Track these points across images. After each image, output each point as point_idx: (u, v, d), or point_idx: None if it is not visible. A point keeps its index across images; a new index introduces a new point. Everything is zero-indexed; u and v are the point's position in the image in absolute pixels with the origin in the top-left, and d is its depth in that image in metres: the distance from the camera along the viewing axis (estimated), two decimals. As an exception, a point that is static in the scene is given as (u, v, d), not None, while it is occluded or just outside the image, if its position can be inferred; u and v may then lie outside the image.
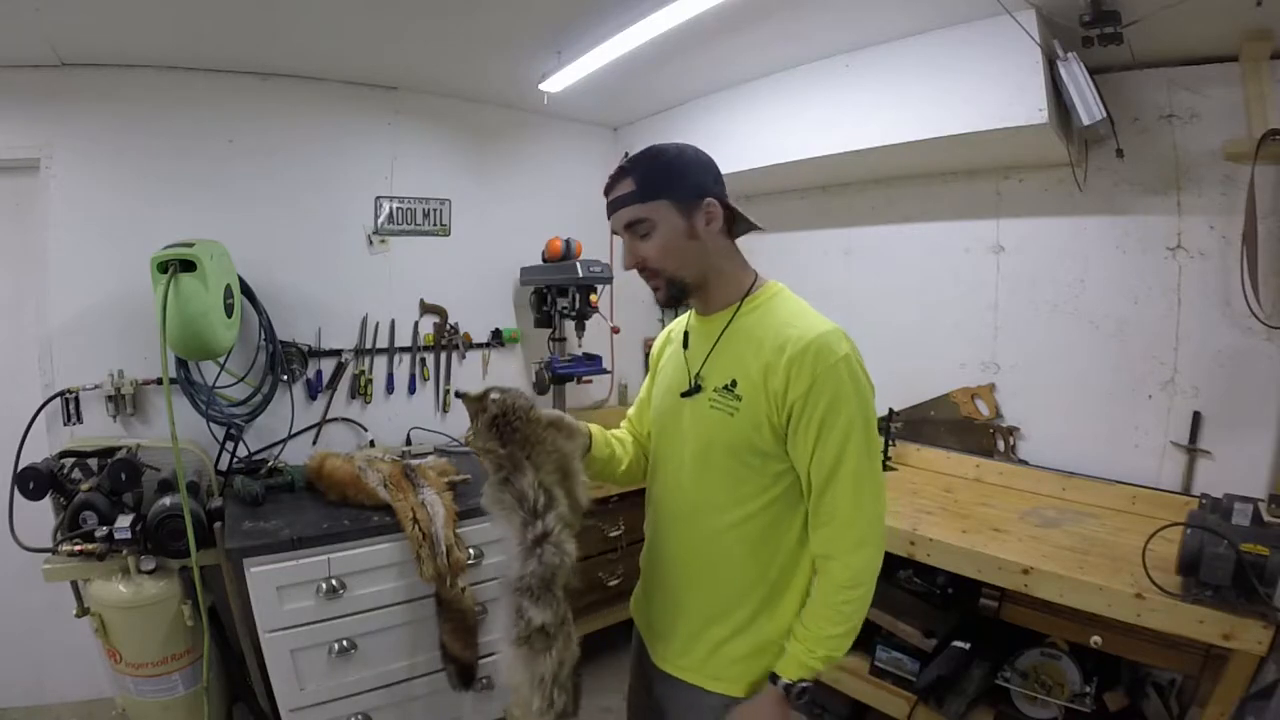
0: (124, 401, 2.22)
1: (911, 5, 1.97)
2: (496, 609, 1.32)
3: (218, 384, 2.34)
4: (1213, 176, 1.93)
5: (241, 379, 2.41)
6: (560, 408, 2.86)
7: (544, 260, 2.88)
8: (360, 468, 2.07)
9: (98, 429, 2.21)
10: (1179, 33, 1.81)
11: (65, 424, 2.18)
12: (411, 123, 2.75)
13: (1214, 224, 1.94)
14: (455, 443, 2.80)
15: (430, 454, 2.66)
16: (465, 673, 1.96)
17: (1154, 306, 2.06)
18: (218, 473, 2.28)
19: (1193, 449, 1.98)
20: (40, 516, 1.97)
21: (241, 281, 2.26)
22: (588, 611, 2.55)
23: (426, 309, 2.84)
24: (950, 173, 2.47)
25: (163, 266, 1.85)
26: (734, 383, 1.10)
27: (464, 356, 2.94)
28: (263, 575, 1.77)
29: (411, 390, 2.83)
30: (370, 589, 1.89)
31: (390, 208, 2.73)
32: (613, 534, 2.61)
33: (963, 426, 2.48)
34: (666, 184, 1.10)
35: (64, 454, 1.98)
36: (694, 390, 1.16)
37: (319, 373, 2.62)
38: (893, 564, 2.13)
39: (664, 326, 1.38)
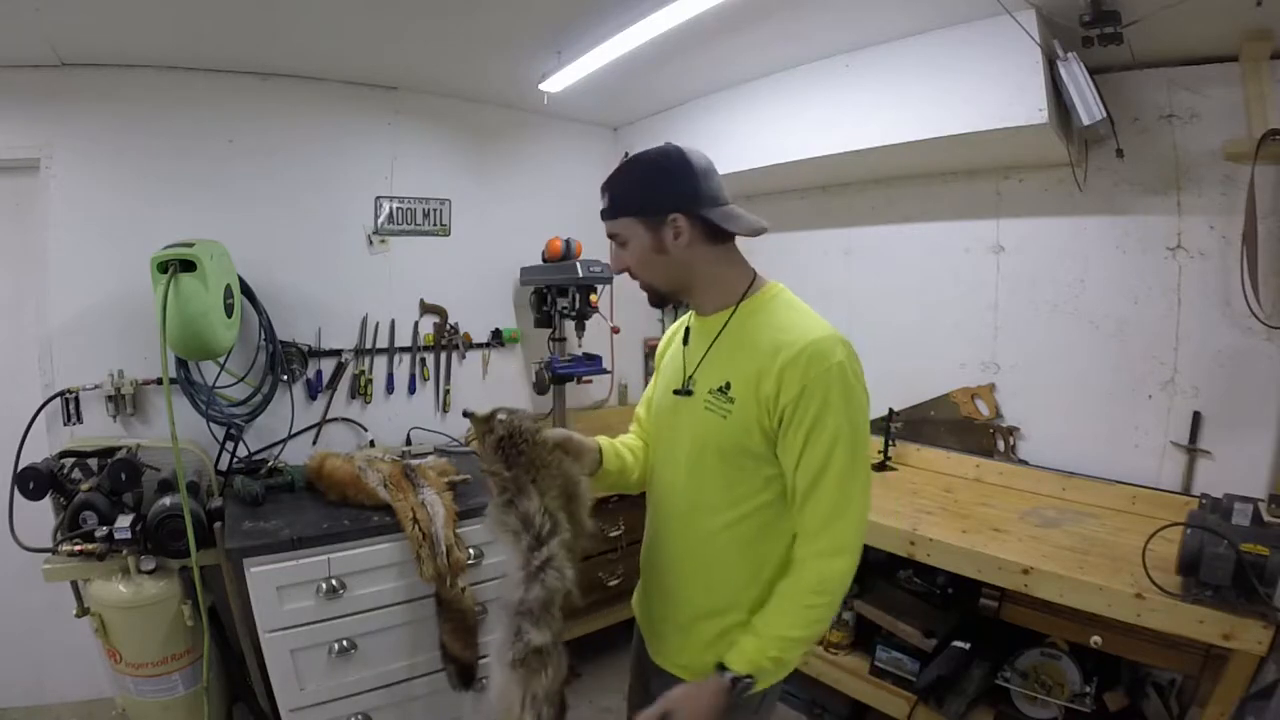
0: (124, 401, 2.22)
1: (911, 5, 1.97)
2: (496, 610, 1.32)
3: (218, 384, 2.34)
4: (1213, 176, 1.93)
5: (241, 379, 2.41)
6: (560, 408, 2.86)
7: (544, 260, 2.88)
8: (360, 468, 2.07)
9: (98, 429, 2.21)
10: (1179, 33, 1.81)
11: (65, 424, 2.18)
12: (411, 123, 2.75)
13: (1214, 224, 1.94)
14: (455, 443, 2.80)
15: (430, 454, 2.66)
16: (465, 673, 1.96)
17: (1154, 306, 2.06)
18: (218, 473, 2.28)
19: (1193, 449, 1.98)
20: (40, 516, 1.97)
21: (241, 281, 2.26)
22: (588, 611, 2.54)
23: (426, 309, 2.84)
24: (950, 173, 2.47)
25: (163, 266, 1.85)
26: (728, 385, 1.10)
27: (464, 356, 2.94)
28: (263, 575, 1.77)
29: (411, 390, 2.83)
30: (370, 589, 1.89)
31: (390, 208, 2.73)
32: (613, 534, 2.61)
33: (963, 426, 2.48)
34: (634, 201, 1.12)
35: (64, 454, 1.98)
36: (685, 391, 1.16)
37: (319, 373, 2.62)
38: (893, 564, 2.14)
39: (664, 326, 1.39)
